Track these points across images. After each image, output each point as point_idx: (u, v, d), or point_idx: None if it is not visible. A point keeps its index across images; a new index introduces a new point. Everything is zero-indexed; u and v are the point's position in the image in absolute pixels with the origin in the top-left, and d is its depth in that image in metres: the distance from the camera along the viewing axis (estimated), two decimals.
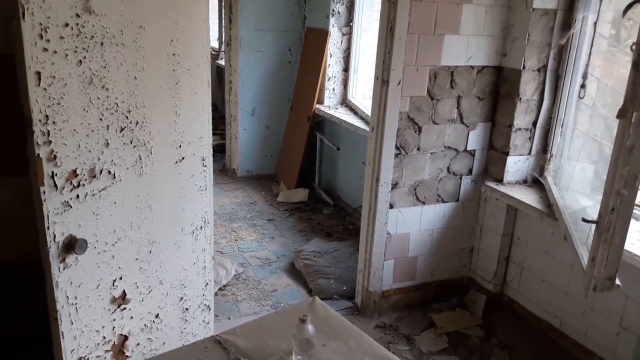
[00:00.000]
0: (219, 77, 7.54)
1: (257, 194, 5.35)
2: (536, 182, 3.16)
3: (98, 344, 2.00)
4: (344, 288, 3.56)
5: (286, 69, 5.48)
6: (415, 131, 3.01)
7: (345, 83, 5.09)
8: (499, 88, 3.12)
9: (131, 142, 1.96)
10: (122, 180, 1.96)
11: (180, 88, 2.17)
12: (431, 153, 3.10)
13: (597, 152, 2.90)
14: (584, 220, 2.01)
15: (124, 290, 2.07)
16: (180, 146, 2.23)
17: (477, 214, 3.35)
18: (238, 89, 5.43)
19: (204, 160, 2.42)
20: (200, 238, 2.50)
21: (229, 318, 3.30)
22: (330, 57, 4.93)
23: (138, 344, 2.21)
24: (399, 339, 3.10)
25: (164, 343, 2.38)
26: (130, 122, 1.94)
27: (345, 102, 5.09)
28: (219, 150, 6.41)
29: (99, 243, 1.91)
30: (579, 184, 2.91)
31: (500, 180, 3.15)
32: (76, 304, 1.86)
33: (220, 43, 7.90)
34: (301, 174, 5.29)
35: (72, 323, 1.86)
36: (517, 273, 3.21)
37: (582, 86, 2.69)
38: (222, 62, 7.21)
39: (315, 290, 3.54)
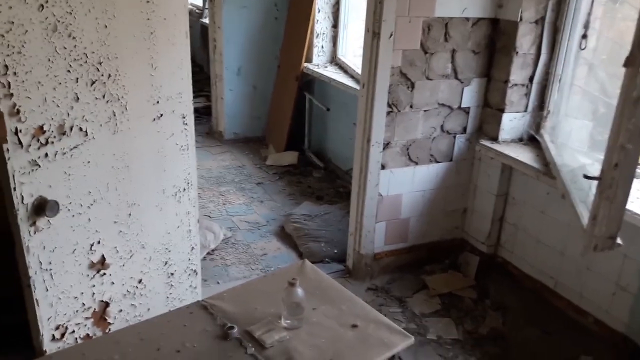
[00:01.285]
0: (203, 37, 7.28)
1: (245, 157, 5.22)
2: (532, 140, 3.05)
3: (77, 311, 1.90)
4: (335, 251, 3.48)
5: (273, 25, 5.27)
6: (408, 87, 2.88)
7: (334, 40, 4.90)
8: (494, 41, 2.98)
9: (104, 96, 1.82)
10: (96, 138, 1.83)
11: (156, 39, 2.02)
12: (424, 111, 2.98)
13: (595, 109, 2.80)
14: (585, 177, 1.91)
15: (102, 255, 1.96)
16: (157, 102, 2.09)
17: (470, 174, 3.25)
18: (222, 47, 5.22)
19: (184, 117, 2.28)
20: (184, 200, 2.39)
21: (218, 282, 3.22)
22: (319, 12, 4.73)
23: (120, 310, 2.12)
24: (391, 301, 3.05)
25: (149, 309, 2.29)
26: (102, 75, 1.80)
27: (334, 60, 4.92)
28: (205, 113, 6.24)
29: (73, 205, 1.79)
30: (577, 141, 2.81)
31: (495, 139, 3.04)
32: (51, 269, 1.76)
33: (204, 2, 7.61)
34: (290, 137, 5.15)
35: (47, 290, 1.76)
36: (512, 234, 3.14)
37: (584, 36, 2.56)
38: (206, 21, 6.94)
39: (306, 254, 3.46)
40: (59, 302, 1.81)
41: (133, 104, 1.96)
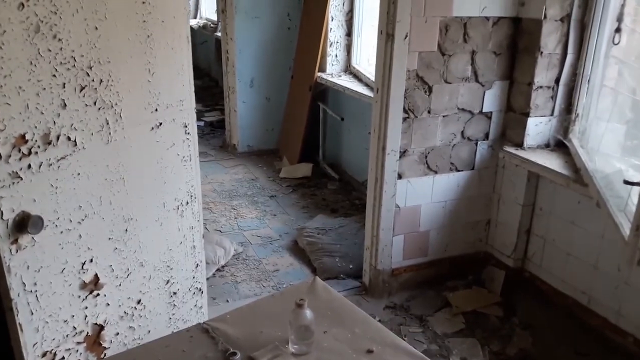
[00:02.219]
0: (219, 51, 7.22)
1: (259, 170, 5.08)
2: (559, 146, 2.86)
3: (67, 336, 1.76)
4: (351, 267, 3.31)
5: (285, 35, 5.16)
6: (425, 92, 2.71)
7: (348, 49, 4.77)
8: (517, 42, 2.80)
9: (95, 103, 1.69)
10: (86, 148, 1.69)
11: (153, 42, 1.89)
12: (443, 116, 2.80)
13: (628, 111, 2.59)
14: (626, 182, 1.72)
15: (95, 274, 1.82)
16: (156, 110, 1.96)
17: (494, 183, 3.06)
18: (235, 58, 5.12)
19: (186, 127, 2.14)
20: (187, 215, 2.24)
21: (227, 301, 3.07)
22: (332, 20, 4.60)
23: (117, 334, 1.97)
24: (411, 320, 2.85)
25: (150, 331, 2.14)
26: (93, 80, 1.67)
27: (349, 69, 4.78)
28: (220, 126, 6.17)
29: (61, 221, 1.65)
30: (609, 146, 2.60)
31: (519, 145, 2.85)
32: (36, 291, 1.61)
33: (219, 13, 7.57)
34: (304, 148, 5.01)
35: (32, 313, 1.61)
36: (540, 246, 2.93)
37: (617, 30, 2.36)
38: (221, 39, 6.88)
39: (320, 270, 3.29)
40: (46, 326, 1.66)
41: (128, 111, 1.82)
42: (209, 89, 7.91)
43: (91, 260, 1.79)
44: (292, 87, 5.24)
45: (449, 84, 2.75)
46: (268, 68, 5.24)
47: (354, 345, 1.74)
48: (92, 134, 1.70)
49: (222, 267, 3.39)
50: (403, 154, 2.77)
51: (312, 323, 1.70)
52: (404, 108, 2.67)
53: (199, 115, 6.48)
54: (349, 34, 4.72)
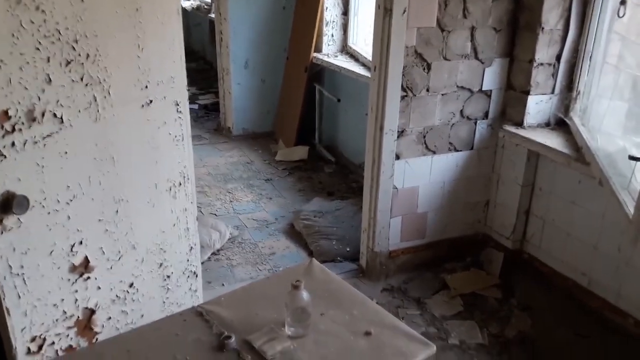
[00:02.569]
0: (212, 33, 7.09)
1: (254, 153, 5.01)
2: (560, 124, 2.80)
3: (57, 320, 1.71)
4: (348, 249, 3.26)
5: (281, 15, 5.06)
6: (424, 69, 2.64)
7: (345, 28, 4.67)
8: (517, 17, 2.73)
9: (82, 79, 1.62)
10: (73, 126, 1.63)
11: (143, 16, 1.81)
12: (442, 94, 2.74)
13: (631, 88, 2.53)
14: (632, 158, 1.67)
15: (86, 257, 1.76)
16: (146, 87, 1.89)
17: (493, 163, 3.01)
18: (229, 39, 5.02)
19: (177, 105, 2.07)
20: (180, 196, 2.18)
21: (223, 284, 3.02)
22: None
23: (109, 318, 1.92)
24: (409, 303, 2.82)
25: (143, 315, 2.09)
26: (79, 55, 1.60)
27: (345, 49, 4.69)
28: (214, 109, 6.07)
29: (48, 201, 1.60)
30: (611, 124, 2.55)
31: (520, 124, 2.79)
32: (23, 274, 1.56)
33: None
34: (300, 131, 4.94)
35: (19, 297, 1.56)
36: (539, 227, 2.89)
37: (622, 2, 2.29)
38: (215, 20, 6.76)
39: (317, 253, 3.25)
40: (35, 310, 1.61)
41: (117, 88, 1.75)
42: (204, 72, 7.79)
43: (81, 243, 1.73)
44: (288, 68, 5.16)
45: (448, 61, 2.68)
46: (263, 49, 5.15)
47: (351, 327, 1.70)
48: (79, 111, 1.64)
49: (218, 250, 3.34)
50: (401, 133, 2.72)
51: (309, 305, 1.65)
52: (402, 86, 2.61)
53: (193, 98, 6.38)
54: (345, 12, 4.63)
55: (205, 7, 7.97)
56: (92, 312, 1.83)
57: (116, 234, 1.87)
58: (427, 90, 2.69)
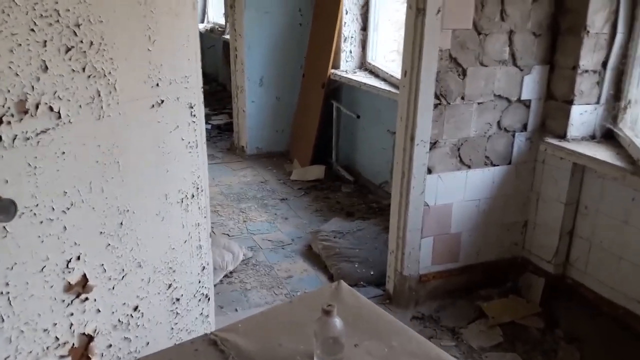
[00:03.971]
0: (225, 55, 6.99)
1: (268, 173, 4.80)
2: (607, 137, 2.56)
3: (48, 348, 1.47)
4: (372, 273, 3.01)
5: (297, 32, 4.91)
6: (459, 75, 2.43)
7: (363, 44, 4.50)
8: (558, 21, 2.52)
9: (83, 69, 1.42)
10: (73, 123, 1.42)
11: (155, 5, 1.62)
12: (478, 103, 2.52)
13: None
14: None
15: (84, 274, 1.53)
16: (157, 85, 1.69)
17: (532, 180, 2.76)
18: (244, 56, 4.87)
19: (192, 108, 1.87)
20: (192, 209, 1.96)
21: (236, 310, 2.78)
22: (346, 14, 4.35)
23: (110, 346, 1.68)
24: (443, 333, 2.54)
25: (148, 343, 1.85)
26: (82, 42, 1.40)
27: (364, 66, 4.51)
28: (227, 129, 5.92)
29: (40, 208, 1.38)
30: None
31: (562, 136, 2.56)
32: (8, 292, 1.33)
33: (227, 16, 7.35)
34: (316, 150, 4.73)
35: (2, 320, 1.33)
36: (584, 250, 2.62)
37: None
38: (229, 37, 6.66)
39: (337, 276, 3.00)
40: (22, 336, 1.38)
41: (124, 83, 1.55)
42: (217, 93, 7.68)
43: (78, 258, 1.50)
44: (304, 85, 4.98)
45: (484, 67, 2.47)
46: (278, 66, 4.99)
47: None
48: (80, 106, 1.43)
49: (230, 273, 3.10)
50: (433, 145, 2.49)
51: (342, 334, 1.41)
52: (435, 93, 2.39)
53: (206, 119, 6.19)
54: (364, 28, 4.46)
55: (219, 29, 7.89)
56: (90, 338, 1.59)
57: (120, 249, 1.64)
58: (462, 98, 2.47)
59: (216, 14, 8.59)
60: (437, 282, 2.74)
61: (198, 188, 1.98)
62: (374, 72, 4.33)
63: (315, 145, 4.70)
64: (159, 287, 1.86)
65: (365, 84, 3.99)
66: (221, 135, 5.92)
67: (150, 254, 1.78)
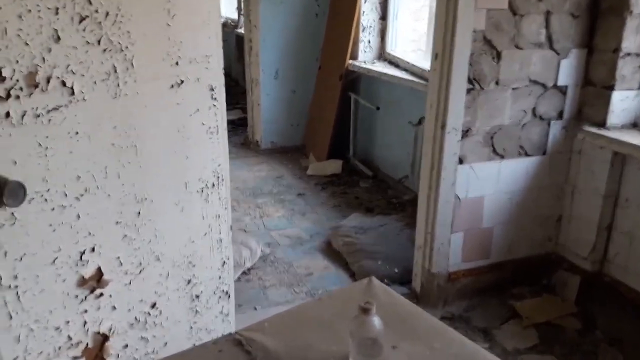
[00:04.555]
0: (239, 49, 6.86)
1: (284, 168, 4.67)
2: None
3: (60, 348, 1.35)
4: (396, 270, 2.87)
5: (313, 23, 4.77)
6: (493, 58, 2.28)
7: (382, 34, 4.36)
8: (599, 1, 2.37)
9: (99, 42, 1.29)
10: (87, 100, 1.29)
11: None
12: (513, 89, 2.37)
13: None
14: None
15: (98, 268, 1.41)
16: (177, 64, 1.56)
17: (567, 172, 2.60)
18: (259, 47, 4.74)
19: (212, 90, 1.74)
20: (213, 200, 1.83)
21: (255, 308, 2.65)
22: (365, 2, 4.21)
23: (126, 346, 1.55)
24: (474, 334, 2.40)
25: (166, 343, 1.72)
26: (96, 12, 1.28)
27: (383, 56, 4.37)
28: (241, 124, 5.80)
29: (52, 194, 1.25)
30: None
31: (601, 124, 2.41)
32: (17, 286, 1.21)
33: (240, 9, 7.23)
34: (333, 144, 4.60)
35: (10, 317, 1.21)
36: (625, 245, 2.47)
37: None
38: (242, 31, 6.54)
39: (360, 274, 2.86)
40: (31, 335, 1.26)
41: (142, 60, 1.43)
42: (230, 88, 7.45)
43: (93, 250, 1.38)
44: (320, 78, 4.85)
45: (520, 50, 2.32)
46: (294, 58, 4.85)
47: None
48: (95, 82, 1.31)
49: (248, 269, 2.98)
50: (465, 133, 2.34)
51: (381, 335, 1.27)
52: (468, 77, 2.25)
53: None
54: (383, 17, 4.32)
55: (232, 23, 7.77)
56: (105, 338, 1.46)
57: (137, 241, 1.52)
58: (497, 83, 2.32)
59: (228, 9, 8.46)
60: (467, 280, 2.60)
61: (219, 177, 1.85)
62: (393, 62, 4.18)
63: (331, 139, 4.57)
64: (178, 283, 1.73)
65: (385, 74, 3.85)
66: (235, 130, 5.79)
67: (169, 246, 1.66)
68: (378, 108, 4.08)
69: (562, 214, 2.67)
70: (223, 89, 1.81)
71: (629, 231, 2.44)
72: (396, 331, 1.41)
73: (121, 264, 1.48)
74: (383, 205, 3.86)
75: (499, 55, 2.28)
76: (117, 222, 1.45)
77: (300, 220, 3.64)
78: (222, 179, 1.88)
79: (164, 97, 1.54)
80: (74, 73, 1.25)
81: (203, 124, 1.72)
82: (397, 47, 4.31)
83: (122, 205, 1.45)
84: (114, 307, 1.47)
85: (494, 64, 2.28)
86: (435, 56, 2.27)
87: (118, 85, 1.37)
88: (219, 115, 1.79)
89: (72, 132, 1.27)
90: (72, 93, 1.25)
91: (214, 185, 1.82)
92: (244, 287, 2.81)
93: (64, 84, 1.23)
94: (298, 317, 1.52)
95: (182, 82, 1.60)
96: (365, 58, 4.35)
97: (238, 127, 5.82)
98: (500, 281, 2.64)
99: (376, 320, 1.27)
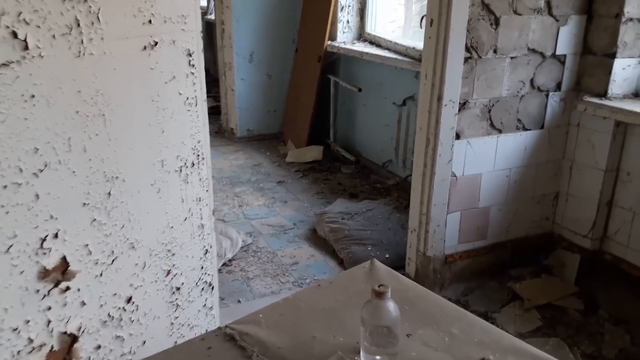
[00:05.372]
0: (209, 36, 6.59)
1: (261, 155, 4.47)
2: None
3: (19, 352, 1.14)
4: (387, 256, 2.72)
5: (289, 3, 4.57)
6: (491, 24, 2.14)
7: (361, 13, 4.19)
8: None
9: None
10: (45, 57, 1.09)
11: None
12: (511, 58, 2.23)
13: None
14: None
15: (63, 257, 1.21)
16: (150, 22, 1.36)
17: (564, 147, 2.49)
18: (232, 29, 4.51)
19: (190, 55, 1.55)
20: (193, 181, 1.64)
21: (239, 301, 2.46)
22: None
23: (99, 347, 1.35)
24: None
25: (145, 342, 1.53)
26: None
27: (362, 37, 4.20)
28: (214, 113, 5.55)
29: (4, 169, 1.05)
30: None
31: (602, 95, 2.29)
32: None
33: None
34: (312, 130, 4.41)
35: None
36: (627, 221, 2.37)
37: None
38: (212, 17, 6.28)
39: (349, 261, 2.70)
40: None
41: (110, 14, 1.22)
42: None
43: (56, 236, 1.18)
44: (297, 61, 4.65)
45: (518, 16, 2.17)
46: (269, 41, 4.64)
47: (457, 353, 1.15)
48: (53, 36, 1.10)
49: (229, 261, 2.78)
50: (463, 105, 2.19)
51: (398, 322, 1.11)
52: (465, 45, 2.09)
53: None
54: None
55: (201, 7, 7.48)
56: (74, 338, 1.26)
57: (108, 226, 1.32)
58: (495, 51, 2.18)
59: None
60: (464, 262, 2.46)
61: (199, 155, 1.67)
62: (374, 42, 4.02)
63: (311, 124, 4.39)
64: (156, 274, 1.54)
65: (367, 53, 3.68)
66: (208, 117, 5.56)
67: (145, 233, 1.46)
68: (360, 90, 3.91)
69: (559, 191, 2.55)
70: (202, 55, 1.61)
71: (632, 206, 2.34)
72: (409, 317, 1.25)
73: (90, 252, 1.27)
74: (368, 191, 3.70)
75: (497, 22, 2.14)
76: (84, 204, 1.24)
77: (282, 208, 3.46)
78: (203, 158, 1.69)
79: (135, 60, 1.34)
80: (27, 23, 1.04)
81: (180, 93, 1.53)
82: (377, 26, 4.15)
83: (90, 184, 1.25)
84: (83, 303, 1.27)
85: (492, 31, 2.14)
86: (430, 22, 2.10)
87: (82, 42, 1.16)
88: (197, 84, 1.60)
89: (26, 94, 1.06)
90: (26, 47, 1.04)
91: (193, 164, 1.64)
92: (225, 279, 2.62)
93: (15, 35, 1.02)
94: (296, 306, 1.34)
95: (155, 43, 1.40)
96: (344, 39, 4.18)
97: (210, 116, 5.57)
98: (498, 263, 2.51)
99: (392, 306, 1.10)
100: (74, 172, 1.20)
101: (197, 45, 1.57)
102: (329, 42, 4.16)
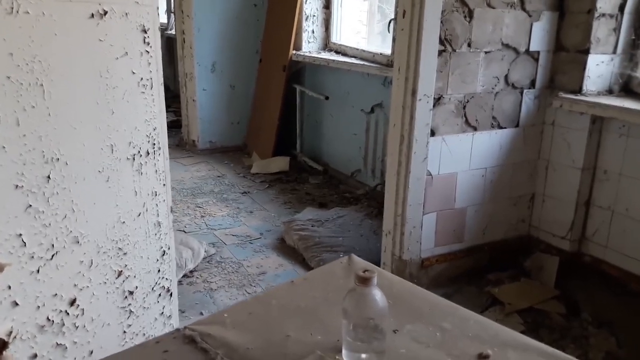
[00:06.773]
0: (169, 53, 6.42)
1: (225, 167, 4.30)
2: (626, 90, 2.27)
3: None
4: None
5: (252, 12, 4.46)
6: (465, 17, 2.06)
7: (327, 23, 4.12)
8: None
9: None
10: None
11: None
12: (485, 52, 2.16)
13: None
14: None
15: None
16: None
17: (540, 147, 2.42)
18: (193, 39, 4.36)
19: (145, 32, 1.40)
20: (148, 172, 1.48)
21: (202, 313, 2.27)
22: None
23: (35, 356, 1.16)
24: None
25: (92, 352, 1.33)
26: None
27: (328, 47, 4.12)
28: (174, 126, 5.35)
29: None
30: None
31: (576, 92, 2.24)
32: None
33: (169, 13, 6.80)
34: (278, 140, 4.27)
35: None
36: (605, 221, 2.30)
37: None
38: (172, 32, 6.13)
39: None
40: None
41: None
42: None
43: None
44: (261, 71, 4.53)
45: (492, 9, 2.11)
46: (232, 50, 4.51)
47: (452, 349, 1.02)
48: None
49: (191, 272, 2.59)
50: (437, 101, 2.10)
51: (385, 312, 0.97)
52: (440, 38, 2.01)
53: None
54: (327, 6, 4.08)
55: (160, 27, 7.33)
56: (4, 344, 1.07)
57: (47, 214, 1.14)
58: (469, 45, 2.10)
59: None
60: (441, 266, 2.34)
61: (154, 144, 1.50)
62: (340, 51, 3.94)
63: (277, 135, 4.25)
64: (106, 275, 1.35)
65: (334, 60, 3.60)
66: (168, 132, 5.35)
67: (91, 226, 1.28)
68: (327, 97, 3.81)
69: (535, 192, 2.48)
70: (158, 35, 1.47)
71: (610, 205, 2.28)
72: (395, 312, 1.11)
73: (24, 244, 1.09)
74: (337, 201, 3.57)
75: (471, 14, 2.07)
76: (17, 187, 1.06)
77: (247, 218, 3.29)
78: (159, 147, 1.53)
79: (81, 27, 1.18)
80: None
81: (134, 72, 1.37)
82: (341, 37, 4.08)
83: (24, 164, 1.07)
84: (16, 303, 1.08)
85: (465, 23, 2.06)
86: (402, 14, 2.01)
87: None
88: (153, 65, 1.45)
89: None
90: None
91: (148, 153, 1.47)
92: (186, 291, 2.42)
93: None
94: (267, 304, 1.18)
95: (105, 12, 1.24)
96: (309, 49, 4.09)
97: (170, 129, 5.37)
98: (475, 267, 2.40)
99: (378, 294, 0.96)
100: (3, 147, 1.02)
101: (153, 22, 1.42)
102: (294, 52, 4.06)
